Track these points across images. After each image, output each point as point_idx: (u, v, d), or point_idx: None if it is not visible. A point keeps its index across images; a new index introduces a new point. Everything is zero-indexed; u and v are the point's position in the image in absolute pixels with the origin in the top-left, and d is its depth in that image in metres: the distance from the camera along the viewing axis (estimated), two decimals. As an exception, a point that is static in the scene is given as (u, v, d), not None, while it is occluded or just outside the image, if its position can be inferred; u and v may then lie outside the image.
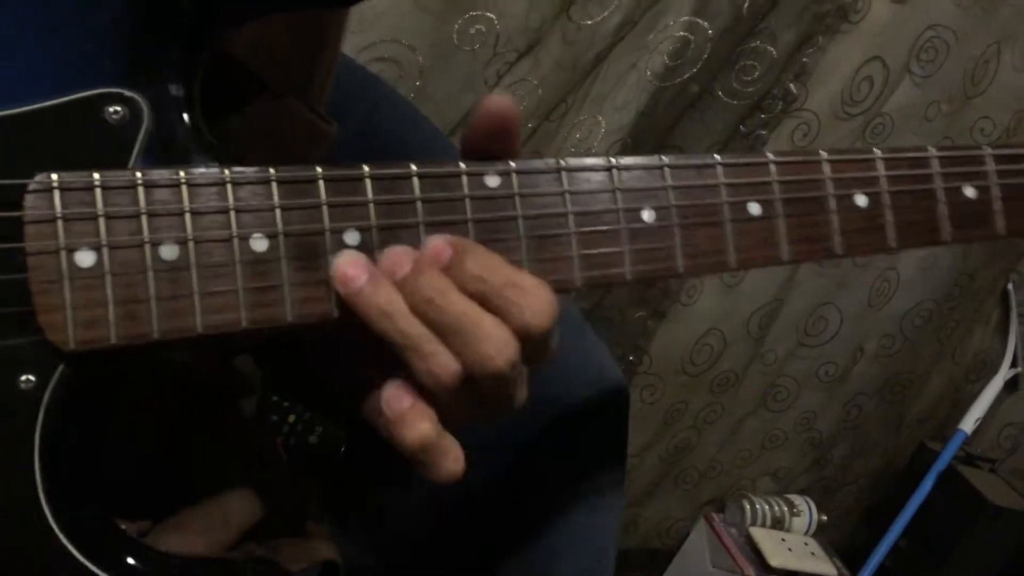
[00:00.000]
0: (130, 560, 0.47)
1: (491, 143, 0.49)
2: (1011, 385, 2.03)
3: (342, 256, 0.45)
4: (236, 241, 0.44)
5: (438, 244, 0.46)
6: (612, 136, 1.35)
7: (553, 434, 0.80)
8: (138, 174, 0.43)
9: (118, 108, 0.44)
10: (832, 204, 0.54)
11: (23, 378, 0.43)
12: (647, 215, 0.50)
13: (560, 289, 0.48)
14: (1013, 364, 1.97)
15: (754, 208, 0.52)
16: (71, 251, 0.42)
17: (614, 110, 1.34)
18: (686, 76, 1.32)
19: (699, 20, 1.29)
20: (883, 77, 1.46)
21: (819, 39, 1.39)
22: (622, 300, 1.50)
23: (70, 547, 0.44)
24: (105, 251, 0.42)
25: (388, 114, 0.87)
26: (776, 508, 1.81)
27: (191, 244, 0.44)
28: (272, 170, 0.45)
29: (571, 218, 0.50)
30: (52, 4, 0.44)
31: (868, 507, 2.02)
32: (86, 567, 0.45)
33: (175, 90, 0.46)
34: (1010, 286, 1.92)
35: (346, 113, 0.80)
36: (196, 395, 0.64)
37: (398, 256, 0.46)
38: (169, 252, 0.43)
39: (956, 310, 1.83)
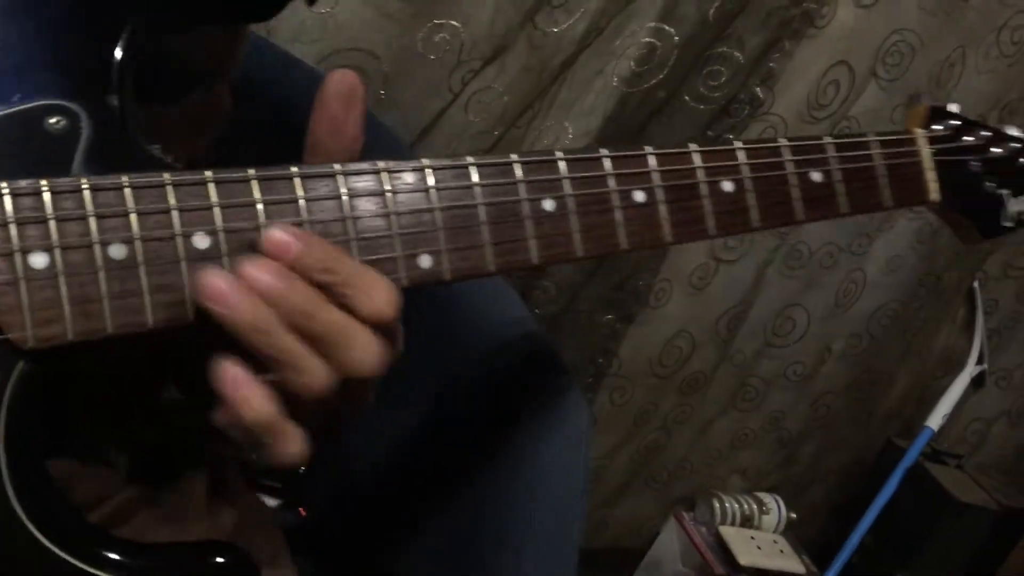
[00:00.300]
0: (106, 552, 0.48)
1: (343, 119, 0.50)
2: (978, 381, 2.05)
3: (208, 272, 0.46)
4: (180, 239, 0.47)
5: (282, 237, 0.46)
6: (579, 141, 1.35)
7: (516, 443, 0.81)
8: (83, 179, 0.45)
9: (59, 118, 0.46)
10: (704, 190, 0.61)
11: None
12: (548, 204, 0.56)
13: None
14: (979, 361, 2.00)
15: (639, 196, 0.58)
16: (25, 253, 0.44)
17: (581, 115, 1.34)
18: (653, 82, 1.32)
19: (665, 26, 1.29)
20: (849, 81, 1.47)
21: (785, 44, 1.39)
22: (591, 304, 1.50)
23: (43, 540, 0.46)
24: (57, 252, 0.45)
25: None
26: (746, 506, 1.82)
27: (138, 243, 0.46)
28: (208, 172, 0.48)
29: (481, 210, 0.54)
30: None
31: (837, 503, 2.04)
32: (63, 559, 0.46)
33: (112, 100, 0.47)
34: (976, 284, 1.94)
35: (264, 95, 0.80)
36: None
37: (258, 265, 0.46)
38: (118, 251, 0.46)
39: (922, 309, 1.85)
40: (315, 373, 0.46)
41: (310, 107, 0.51)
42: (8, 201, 0.44)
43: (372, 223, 0.51)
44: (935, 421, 1.93)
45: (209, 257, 0.47)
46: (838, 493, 2.03)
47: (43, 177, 0.45)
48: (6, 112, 0.45)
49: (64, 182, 0.45)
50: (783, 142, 0.65)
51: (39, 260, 0.44)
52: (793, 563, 1.77)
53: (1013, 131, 0.79)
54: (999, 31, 1.52)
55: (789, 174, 0.65)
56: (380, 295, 0.47)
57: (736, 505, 1.81)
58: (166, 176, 0.47)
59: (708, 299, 1.58)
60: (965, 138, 0.77)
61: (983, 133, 0.77)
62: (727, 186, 0.62)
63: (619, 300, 1.52)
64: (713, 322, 1.61)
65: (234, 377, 0.45)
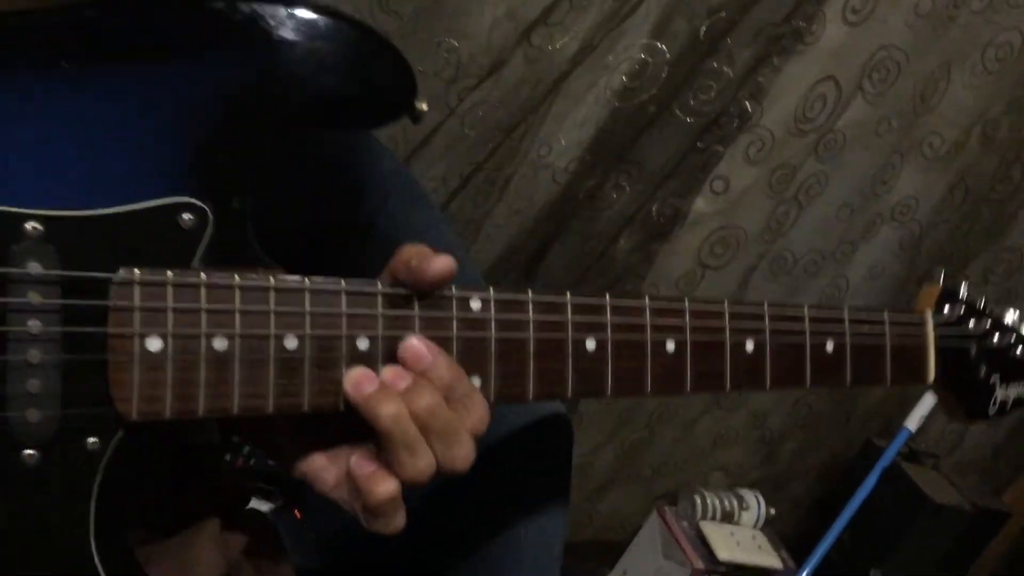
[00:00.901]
0: None
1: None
2: (956, 383, 2.10)
3: (355, 370, 0.53)
4: (272, 339, 0.52)
5: (419, 348, 0.54)
6: (571, 152, 1.39)
7: (500, 460, 0.84)
8: (202, 275, 0.50)
9: (190, 216, 0.51)
10: (728, 348, 0.66)
11: (90, 440, 0.49)
12: (591, 344, 0.61)
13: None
14: (959, 363, 2.04)
15: (670, 346, 0.63)
16: (143, 337, 0.49)
17: (574, 126, 1.38)
18: (644, 97, 1.36)
19: (657, 43, 1.33)
20: (836, 95, 1.51)
21: (774, 59, 1.43)
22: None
23: None
24: (170, 339, 0.49)
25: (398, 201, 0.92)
26: (726, 502, 1.87)
27: (237, 339, 0.51)
28: (307, 280, 0.53)
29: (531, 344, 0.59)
30: (145, 120, 0.51)
31: (817, 499, 2.09)
32: None
33: (237, 203, 0.53)
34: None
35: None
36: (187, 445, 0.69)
37: (397, 371, 0.54)
38: (220, 344, 0.51)
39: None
40: (426, 461, 0.53)
41: None
42: (136, 290, 0.49)
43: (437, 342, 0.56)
44: (913, 422, 1.98)
45: (295, 358, 0.52)
46: (818, 489, 2.09)
47: (169, 267, 0.50)
48: (148, 206, 0.50)
49: (186, 279, 0.50)
50: (805, 309, 0.70)
51: (154, 344, 0.49)
52: (771, 558, 1.82)
53: (1009, 319, 0.85)
54: (984, 48, 1.56)
55: (807, 344, 0.69)
56: (481, 413, 0.55)
57: (717, 501, 1.86)
58: (271, 280, 0.52)
59: (694, 304, 1.62)
60: (969, 324, 0.82)
61: (985, 323, 0.82)
62: (749, 346, 0.66)
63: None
64: (698, 326, 1.65)
65: (367, 471, 0.53)
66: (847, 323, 0.72)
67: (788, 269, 1.68)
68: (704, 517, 1.85)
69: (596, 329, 0.61)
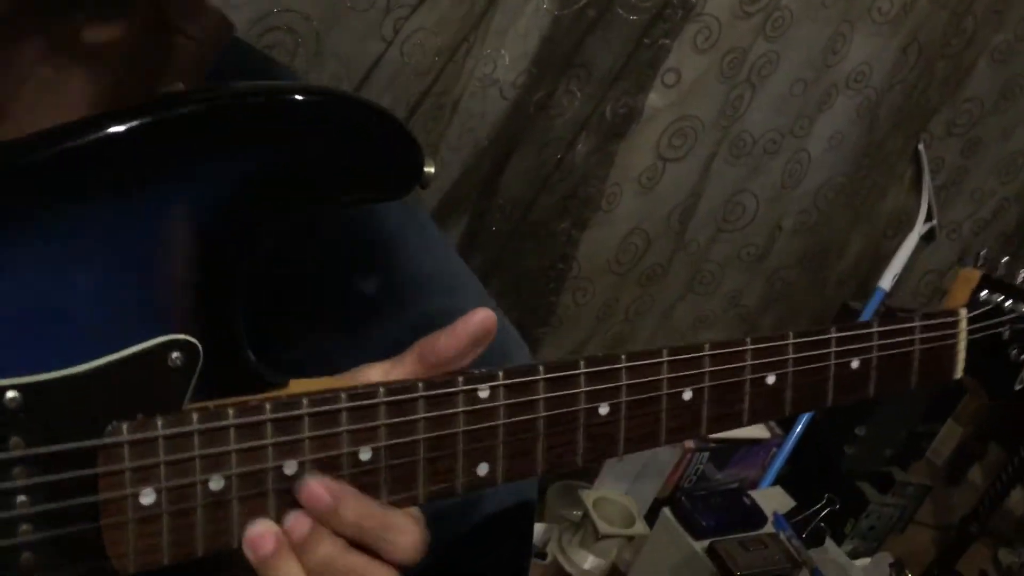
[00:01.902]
0: None
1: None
2: (928, 237, 2.14)
3: (253, 527, 0.50)
4: (271, 471, 0.50)
5: (316, 490, 0.51)
6: (518, 65, 1.38)
7: (461, 532, 0.82)
8: (195, 417, 0.48)
9: (179, 353, 0.49)
10: (747, 387, 0.64)
11: None
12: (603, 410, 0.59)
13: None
14: (928, 218, 2.07)
15: (687, 395, 0.61)
16: (136, 495, 0.48)
17: (517, 39, 1.37)
18: (582, 3, 1.34)
19: (589, -55, 1.31)
20: (778, -27, 1.49)
21: (711, -55, 1.41)
22: (545, 215, 1.56)
23: None
24: (164, 492, 0.48)
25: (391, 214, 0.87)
26: (711, 381, 1.92)
27: (234, 478, 0.50)
28: (305, 401, 0.51)
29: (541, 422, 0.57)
30: (118, 263, 0.47)
31: (799, 366, 2.15)
32: None
33: (228, 329, 0.51)
34: (920, 146, 1.99)
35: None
36: None
37: (298, 518, 0.51)
38: (216, 484, 0.49)
39: (868, 177, 1.91)
40: None
41: None
42: (126, 450, 0.47)
43: (441, 441, 0.54)
44: (887, 281, 2.02)
45: (296, 484, 0.51)
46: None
47: (159, 412, 0.48)
48: (132, 352, 0.47)
49: (178, 428, 0.48)
50: (832, 333, 0.67)
51: (148, 498, 0.48)
52: (759, 429, 1.89)
53: None
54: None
55: (831, 366, 0.67)
56: (410, 541, 0.52)
57: (702, 381, 1.91)
58: (267, 407, 0.50)
59: (658, 197, 1.63)
60: (1005, 306, 0.79)
61: (1021, 305, 0.79)
62: (770, 380, 0.64)
63: (572, 208, 1.57)
64: (665, 217, 1.66)
65: None
66: (876, 336, 0.70)
67: (748, 151, 1.69)
68: (691, 398, 1.90)
69: (609, 394, 0.59)
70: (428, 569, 0.82)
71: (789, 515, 1.59)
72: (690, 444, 1.80)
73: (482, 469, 0.56)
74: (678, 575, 1.50)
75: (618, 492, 1.81)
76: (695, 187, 1.66)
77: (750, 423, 0.65)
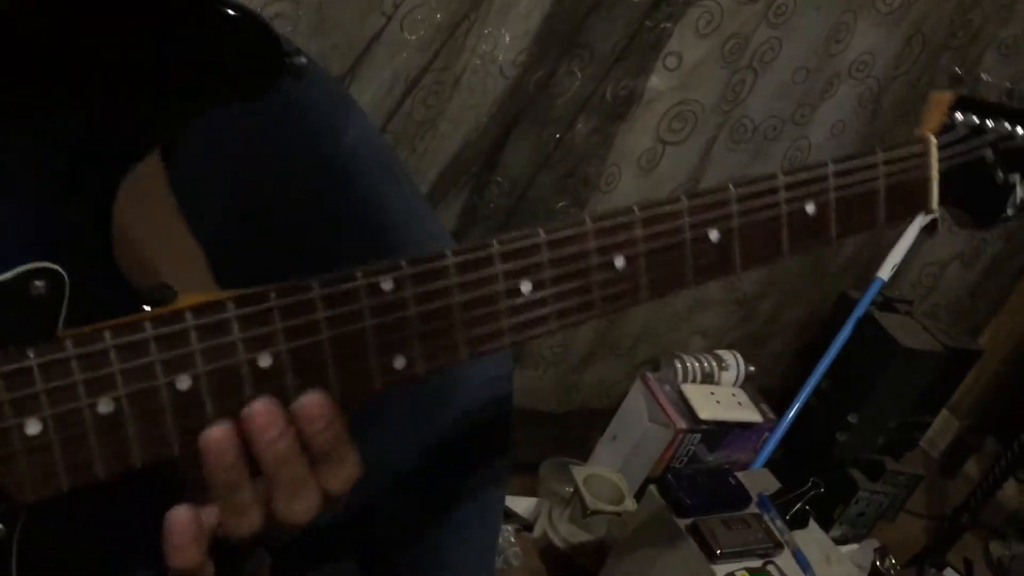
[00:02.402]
0: None
1: None
2: (929, 229, 2.14)
3: (214, 426, 0.51)
4: (163, 388, 0.50)
5: (313, 400, 0.52)
6: (518, 43, 1.39)
7: (438, 435, 0.83)
8: (70, 344, 0.48)
9: (42, 282, 0.48)
10: (687, 241, 0.61)
11: None
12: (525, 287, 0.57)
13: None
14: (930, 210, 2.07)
15: (619, 262, 0.59)
16: (19, 426, 0.47)
17: (519, 18, 1.38)
18: (585, -18, 1.36)
19: (593, -74, 1.32)
20: (782, -40, 1.50)
21: (716, -70, 1.42)
22: (544, 192, 1.58)
23: None
24: (49, 420, 0.48)
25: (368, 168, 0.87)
26: (706, 364, 1.94)
27: (123, 399, 0.49)
28: (188, 314, 0.50)
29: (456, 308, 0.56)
30: None
31: (796, 352, 2.17)
32: None
33: (94, 245, 0.50)
34: (925, 138, 2.00)
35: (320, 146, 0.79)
36: None
37: (264, 404, 0.51)
38: (105, 407, 0.49)
39: (870, 167, 1.92)
40: (252, 520, 0.52)
41: None
42: (0, 381, 0.46)
43: (347, 339, 0.53)
44: (885, 272, 2.03)
45: (193, 398, 0.50)
46: (797, 344, 2.16)
47: (31, 344, 0.47)
48: None
49: (50, 356, 0.47)
50: (780, 178, 0.64)
51: (33, 428, 0.47)
52: (751, 413, 1.91)
53: None
54: None
55: (783, 214, 0.64)
56: (347, 472, 0.54)
57: (697, 364, 1.94)
58: (148, 327, 0.49)
59: (657, 179, 1.65)
60: (986, 126, 0.74)
61: (1004, 122, 0.74)
62: (713, 236, 0.61)
63: (571, 187, 1.59)
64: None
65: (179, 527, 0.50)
66: (832, 176, 0.66)
67: (748, 136, 1.71)
68: (685, 380, 1.93)
69: (531, 270, 0.56)
70: (412, 463, 0.84)
71: (774, 497, 1.61)
72: (682, 425, 1.83)
73: (399, 362, 0.54)
74: (661, 551, 1.52)
75: (610, 470, 1.84)
76: (694, 171, 1.68)
77: (697, 284, 0.62)
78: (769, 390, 2.05)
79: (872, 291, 2.02)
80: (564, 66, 1.46)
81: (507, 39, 1.38)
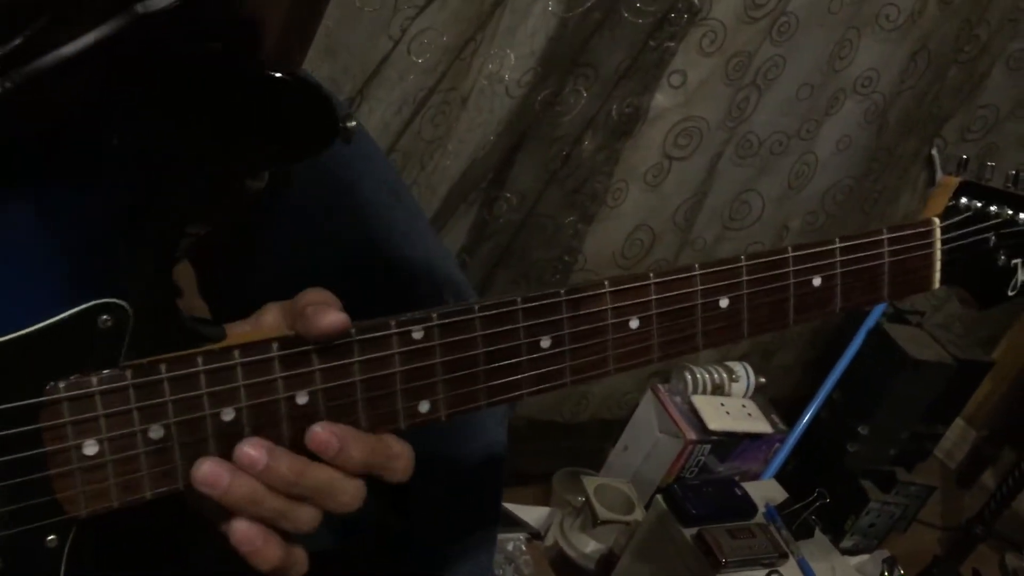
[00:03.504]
0: None
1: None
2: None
3: (202, 464, 0.55)
4: (208, 418, 0.55)
5: (324, 436, 0.56)
6: (524, 64, 1.43)
7: (429, 490, 0.86)
8: (129, 375, 0.53)
9: (107, 316, 0.53)
10: (699, 310, 0.65)
11: (48, 539, 0.54)
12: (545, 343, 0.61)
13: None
14: (941, 222, 2.09)
15: (634, 323, 0.64)
16: (78, 447, 0.53)
17: (525, 39, 1.42)
18: (588, 5, 1.40)
19: (594, -49, 1.36)
20: (786, -23, 1.53)
21: (717, -48, 1.45)
22: (552, 208, 1.61)
23: None
24: (106, 442, 0.53)
25: (370, 187, 0.91)
26: (716, 375, 1.97)
27: (173, 427, 0.54)
28: (237, 352, 0.55)
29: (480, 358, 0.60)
30: (43, 234, 0.52)
31: (806, 363, 2.19)
32: None
33: (155, 285, 0.55)
34: (934, 151, 2.01)
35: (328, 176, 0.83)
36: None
37: (252, 444, 0.55)
38: (156, 433, 0.54)
39: (879, 181, 1.94)
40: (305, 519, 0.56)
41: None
42: (65, 406, 0.52)
43: (378, 382, 0.58)
44: (896, 284, 2.05)
45: (234, 429, 0.55)
46: (808, 355, 2.17)
47: (94, 372, 0.52)
48: (60, 319, 0.52)
49: (112, 384, 0.52)
50: (789, 252, 0.67)
51: (91, 449, 0.52)
52: (760, 424, 1.93)
53: None
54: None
55: (791, 285, 0.68)
56: (404, 465, 0.58)
57: (707, 375, 1.96)
58: (199, 362, 0.54)
59: (664, 194, 1.68)
60: (989, 212, 0.77)
61: (1007, 208, 0.77)
62: (723, 303, 0.65)
63: (578, 202, 1.63)
64: (671, 215, 1.71)
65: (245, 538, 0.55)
66: (838, 252, 0.70)
67: (755, 152, 1.73)
68: (696, 391, 1.95)
69: (551, 328, 0.61)
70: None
71: (781, 507, 1.63)
72: (692, 436, 1.85)
73: (423, 406, 0.59)
74: (667, 560, 1.55)
75: (620, 480, 1.87)
76: (701, 185, 1.71)
77: (707, 347, 0.66)
78: (779, 401, 2.07)
79: (882, 303, 2.04)
80: (569, 85, 1.50)
81: (512, 59, 1.41)
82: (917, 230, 0.74)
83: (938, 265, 0.75)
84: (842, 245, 0.70)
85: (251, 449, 0.55)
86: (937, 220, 0.75)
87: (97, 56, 0.48)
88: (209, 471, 0.54)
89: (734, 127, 1.67)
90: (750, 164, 1.74)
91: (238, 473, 0.55)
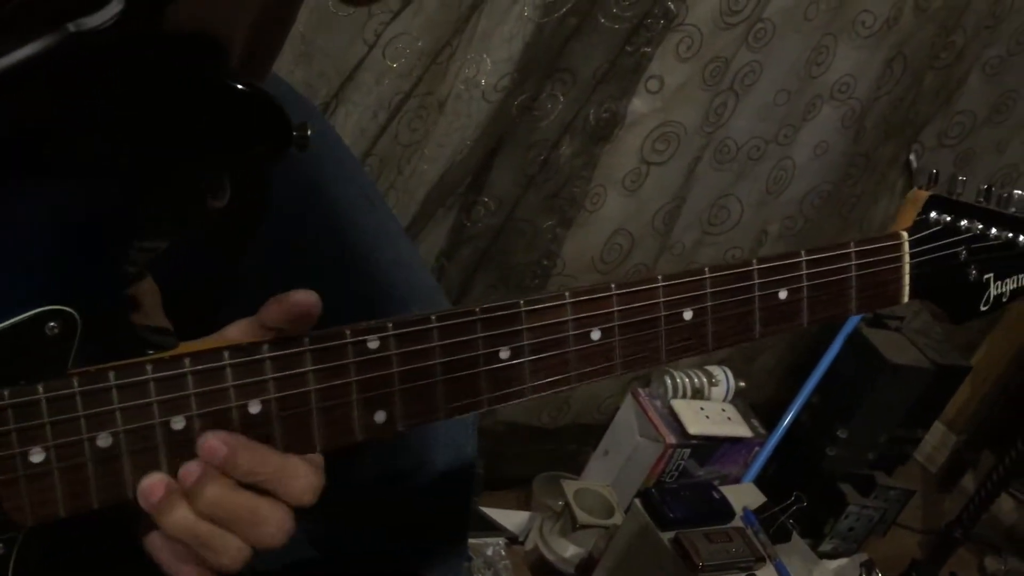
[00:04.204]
0: None
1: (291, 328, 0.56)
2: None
3: (146, 479, 0.54)
4: (158, 427, 0.54)
5: (212, 443, 0.55)
6: (500, 69, 1.44)
7: (400, 507, 0.88)
8: (76, 382, 0.52)
9: (55, 323, 0.52)
10: (662, 322, 0.64)
11: None
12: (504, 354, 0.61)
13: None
14: (919, 227, 2.10)
15: (595, 334, 0.63)
16: (24, 454, 0.52)
17: (502, 42, 1.43)
18: (564, 10, 1.40)
19: (569, -44, 1.36)
20: (760, -16, 1.53)
21: (693, -43, 1.46)
22: (530, 212, 1.62)
23: None
24: (52, 450, 0.52)
25: (343, 192, 0.91)
26: (696, 380, 1.97)
27: (122, 435, 0.53)
28: (187, 360, 0.54)
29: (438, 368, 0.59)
30: None
31: (785, 367, 2.19)
32: None
33: (106, 294, 0.54)
34: (912, 156, 2.03)
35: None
36: None
37: (188, 468, 0.55)
38: (104, 441, 0.53)
39: (857, 186, 1.95)
40: (231, 552, 0.55)
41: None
42: (9, 413, 0.51)
43: (333, 391, 0.57)
44: (874, 288, 2.06)
45: (186, 437, 0.54)
46: (788, 359, 2.18)
47: (41, 379, 0.51)
48: (8, 323, 0.51)
49: (58, 391, 0.52)
50: (754, 265, 0.67)
51: (37, 457, 0.52)
52: (740, 428, 1.94)
53: (1015, 208, 0.77)
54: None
55: (756, 298, 0.67)
56: (304, 484, 0.56)
57: (687, 379, 1.96)
58: (149, 369, 0.53)
59: (642, 199, 1.68)
60: (959, 226, 0.76)
61: (978, 223, 0.77)
62: (687, 315, 0.65)
63: (556, 207, 1.63)
64: (649, 219, 1.72)
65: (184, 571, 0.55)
66: (804, 265, 0.69)
67: (732, 156, 1.74)
68: (676, 396, 1.95)
69: (510, 339, 0.60)
70: (373, 524, 0.87)
71: (758, 511, 1.64)
72: (672, 440, 1.85)
73: (379, 416, 0.58)
74: (645, 564, 1.55)
75: (600, 484, 1.87)
76: (679, 190, 1.72)
77: (670, 360, 0.65)
78: (759, 405, 2.07)
79: (861, 307, 2.05)
80: (547, 90, 1.50)
81: (489, 64, 1.42)
82: (885, 243, 0.74)
83: (907, 279, 0.75)
84: (808, 258, 0.69)
85: (215, 440, 0.55)
86: (905, 234, 0.75)
87: (32, 72, 0.48)
88: (153, 479, 0.54)
89: (711, 132, 1.67)
90: (728, 169, 1.75)
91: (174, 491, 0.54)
